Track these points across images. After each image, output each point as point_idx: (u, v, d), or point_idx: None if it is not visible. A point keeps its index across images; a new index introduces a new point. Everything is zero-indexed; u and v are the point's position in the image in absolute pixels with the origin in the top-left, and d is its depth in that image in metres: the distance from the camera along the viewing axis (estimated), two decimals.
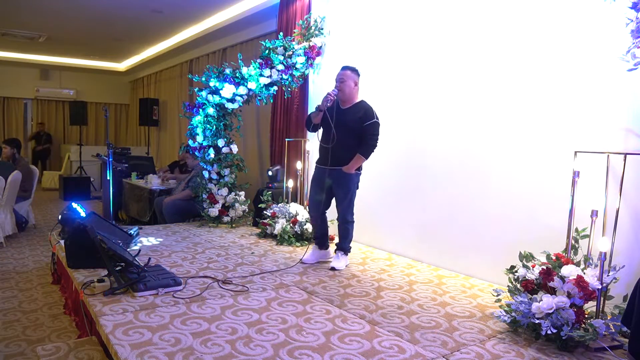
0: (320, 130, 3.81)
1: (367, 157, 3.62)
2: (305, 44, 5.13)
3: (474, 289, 3.28)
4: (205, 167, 5.31)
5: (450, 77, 3.81)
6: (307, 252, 3.92)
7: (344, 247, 3.79)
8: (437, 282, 3.42)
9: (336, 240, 4.67)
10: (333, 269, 3.65)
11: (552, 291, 2.50)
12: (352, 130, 3.59)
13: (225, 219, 5.28)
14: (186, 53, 9.34)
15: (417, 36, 4.11)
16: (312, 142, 5.15)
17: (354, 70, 3.70)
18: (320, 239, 3.91)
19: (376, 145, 3.61)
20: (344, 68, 3.71)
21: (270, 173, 5.62)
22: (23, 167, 6.14)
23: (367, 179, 4.61)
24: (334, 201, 3.83)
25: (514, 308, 2.52)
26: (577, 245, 2.67)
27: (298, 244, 4.45)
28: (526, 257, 2.75)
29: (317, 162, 3.85)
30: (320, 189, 3.76)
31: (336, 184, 3.69)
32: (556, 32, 3.11)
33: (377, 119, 3.60)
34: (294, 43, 5.15)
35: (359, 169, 3.72)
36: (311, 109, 5.37)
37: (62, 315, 3.40)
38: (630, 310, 2.20)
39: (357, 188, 3.77)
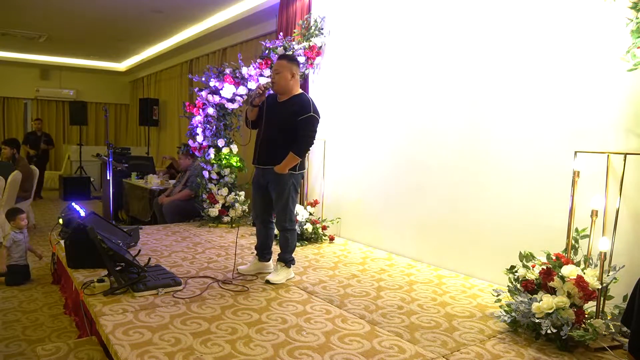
0: None
1: (301, 155, 3.20)
2: (305, 44, 5.13)
3: (474, 289, 3.28)
4: (205, 167, 5.31)
5: (451, 77, 3.81)
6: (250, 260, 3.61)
7: (284, 259, 3.33)
8: (437, 282, 3.42)
9: (337, 240, 4.71)
10: (267, 282, 3.21)
11: (552, 291, 2.50)
12: (286, 125, 3.18)
13: (225, 219, 5.28)
14: (186, 53, 9.34)
15: (417, 35, 4.11)
16: None
17: (291, 60, 3.30)
18: (260, 249, 3.49)
19: (311, 143, 3.22)
20: (280, 57, 3.33)
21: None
22: (23, 167, 6.15)
23: (367, 179, 4.63)
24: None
25: (514, 308, 2.52)
26: (577, 245, 2.67)
27: (298, 244, 4.44)
28: (526, 257, 2.75)
29: (252, 162, 3.38)
30: (258, 192, 3.38)
31: (270, 185, 3.28)
32: (556, 31, 3.11)
33: (315, 113, 3.18)
34: (294, 43, 5.16)
35: (297, 168, 3.27)
36: None
37: (62, 315, 3.40)
38: (630, 310, 2.20)
39: (297, 191, 3.35)
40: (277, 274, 3.28)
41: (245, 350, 2.19)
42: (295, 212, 3.44)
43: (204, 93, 5.18)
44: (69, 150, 11.24)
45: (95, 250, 2.95)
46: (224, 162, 5.30)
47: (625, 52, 2.50)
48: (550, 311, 2.36)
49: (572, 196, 2.68)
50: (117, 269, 2.94)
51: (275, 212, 3.36)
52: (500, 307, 2.65)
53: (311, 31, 5.14)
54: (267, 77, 5.03)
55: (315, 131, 3.23)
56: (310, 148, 3.29)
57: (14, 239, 4.03)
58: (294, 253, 3.43)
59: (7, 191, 5.43)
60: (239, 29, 7.27)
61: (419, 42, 4.09)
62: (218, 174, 5.32)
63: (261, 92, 3.22)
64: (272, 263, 3.53)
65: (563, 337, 2.29)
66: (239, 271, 3.45)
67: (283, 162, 3.18)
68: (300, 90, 3.36)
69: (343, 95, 4.91)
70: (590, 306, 2.48)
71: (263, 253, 3.50)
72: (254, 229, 5.08)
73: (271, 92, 3.32)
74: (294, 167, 3.23)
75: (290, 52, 5.06)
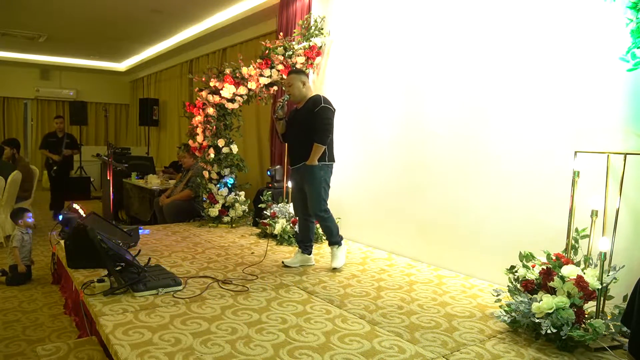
0: None
1: (323, 142, 3.54)
2: (305, 44, 5.13)
3: (474, 289, 3.28)
4: (205, 167, 5.31)
5: (450, 76, 3.81)
6: (293, 254, 3.89)
7: (334, 242, 3.72)
8: (437, 282, 3.42)
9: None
10: (334, 269, 3.64)
11: (552, 291, 2.50)
12: (307, 124, 3.56)
13: (225, 219, 5.28)
14: (186, 53, 9.34)
15: (418, 35, 4.11)
16: None
17: (298, 72, 3.74)
18: (302, 242, 3.82)
19: (330, 130, 3.56)
20: (289, 73, 3.74)
21: (269, 173, 5.64)
22: (23, 167, 6.14)
23: (367, 179, 4.63)
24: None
25: (514, 308, 2.52)
26: (577, 245, 2.67)
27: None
28: (526, 257, 2.75)
29: (289, 165, 3.86)
30: (297, 191, 3.77)
31: (304, 180, 3.65)
32: (556, 31, 3.11)
33: (327, 104, 3.56)
34: (294, 43, 5.16)
35: (325, 159, 3.61)
36: None
37: (62, 315, 3.40)
38: (630, 310, 2.21)
39: (328, 184, 3.70)
40: (337, 259, 3.68)
41: (245, 350, 2.19)
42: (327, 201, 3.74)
43: (204, 93, 5.18)
44: (69, 150, 11.23)
45: (95, 250, 2.95)
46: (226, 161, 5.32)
47: (625, 52, 2.49)
48: (550, 311, 2.36)
49: (572, 196, 2.68)
50: (117, 269, 2.94)
51: (310, 204, 3.68)
52: (500, 307, 2.64)
53: (311, 31, 5.14)
54: (267, 77, 5.04)
55: (331, 118, 3.59)
56: (330, 135, 3.59)
57: (22, 238, 4.04)
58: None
59: (7, 191, 5.43)
60: (239, 29, 7.27)
61: (419, 42, 4.09)
62: (218, 174, 5.32)
63: (281, 105, 3.65)
64: (312, 256, 3.84)
65: (563, 337, 2.29)
66: (284, 263, 3.72)
67: (311, 155, 3.54)
68: (314, 93, 3.76)
69: (343, 95, 4.90)
70: (590, 306, 2.48)
71: (305, 246, 3.81)
72: (255, 228, 5.11)
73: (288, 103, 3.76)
74: (322, 157, 3.58)
75: (290, 52, 5.06)
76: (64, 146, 7.39)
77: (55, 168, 7.31)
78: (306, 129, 3.56)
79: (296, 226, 4.51)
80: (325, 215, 3.69)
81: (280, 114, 3.68)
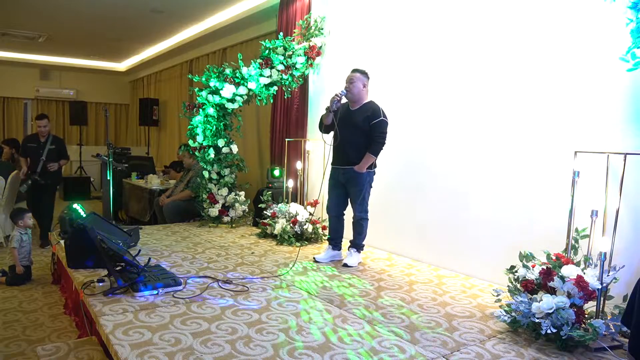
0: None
1: (376, 155, 3.68)
2: (305, 44, 5.13)
3: (474, 289, 3.28)
4: (205, 167, 5.31)
5: (451, 77, 3.81)
6: (322, 251, 4.05)
7: (357, 244, 3.88)
8: (437, 282, 3.42)
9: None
10: (345, 265, 3.76)
11: (552, 291, 2.50)
12: (361, 130, 3.66)
13: (225, 219, 5.28)
14: (186, 53, 9.34)
15: (417, 36, 4.11)
16: (312, 142, 5.15)
17: (363, 73, 3.77)
18: (334, 239, 3.98)
19: (384, 143, 3.67)
20: (354, 70, 3.77)
21: (277, 173, 5.64)
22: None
23: None
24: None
25: (514, 308, 2.52)
26: (577, 245, 2.67)
27: (298, 244, 4.44)
28: (526, 257, 2.75)
29: (331, 163, 3.93)
30: (336, 189, 3.85)
31: (349, 182, 3.77)
32: (556, 32, 3.11)
33: (385, 117, 3.66)
34: (294, 43, 5.16)
35: (372, 167, 3.77)
36: (311, 109, 5.38)
37: (62, 315, 3.40)
38: (630, 310, 2.20)
39: (371, 186, 3.83)
40: (352, 258, 3.80)
41: (245, 350, 2.19)
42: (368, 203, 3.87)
43: (204, 93, 5.18)
44: (69, 151, 11.23)
45: (95, 250, 2.95)
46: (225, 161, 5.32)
47: (625, 52, 2.49)
48: (550, 311, 2.36)
49: (572, 196, 2.68)
50: (117, 269, 2.94)
51: (354, 205, 3.83)
52: (500, 307, 2.64)
53: (311, 31, 5.14)
54: (267, 77, 5.04)
55: (386, 133, 3.66)
56: (383, 147, 3.68)
57: (21, 239, 4.04)
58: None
59: (7, 191, 5.43)
60: (239, 29, 7.27)
61: (419, 42, 4.09)
62: (218, 174, 5.32)
63: (339, 98, 3.64)
64: (342, 251, 4.00)
65: (563, 337, 2.29)
66: (315, 259, 3.89)
67: (361, 162, 3.66)
68: (369, 99, 3.78)
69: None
70: (590, 306, 2.48)
71: (337, 243, 3.99)
72: (255, 228, 5.11)
73: (344, 100, 3.77)
74: (369, 165, 3.70)
75: (290, 52, 5.06)
76: (46, 154, 5.27)
77: (30, 182, 5.19)
78: (362, 134, 3.66)
79: (296, 226, 4.52)
80: (365, 217, 3.83)
81: (334, 108, 3.67)
